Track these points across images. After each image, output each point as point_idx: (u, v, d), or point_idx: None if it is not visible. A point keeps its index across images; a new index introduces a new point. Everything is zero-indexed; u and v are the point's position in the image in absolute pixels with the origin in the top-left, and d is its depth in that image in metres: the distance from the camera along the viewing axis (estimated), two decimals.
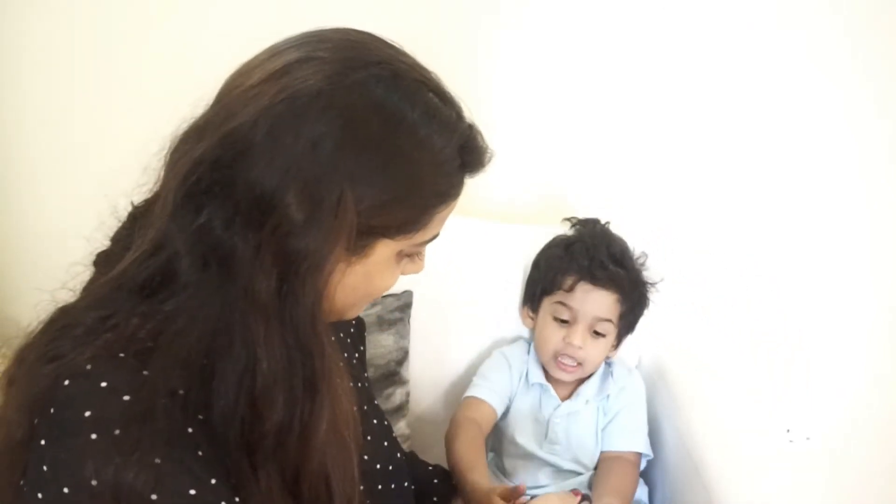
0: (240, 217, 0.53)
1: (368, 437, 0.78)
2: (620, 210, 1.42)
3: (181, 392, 0.55)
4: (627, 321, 1.15)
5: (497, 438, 1.21)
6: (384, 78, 0.56)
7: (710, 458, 1.09)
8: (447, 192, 0.61)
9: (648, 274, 1.18)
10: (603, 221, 1.22)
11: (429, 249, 1.39)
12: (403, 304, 1.27)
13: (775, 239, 1.48)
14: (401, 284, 1.28)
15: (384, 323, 1.24)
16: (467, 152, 0.62)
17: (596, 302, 1.11)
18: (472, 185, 1.59)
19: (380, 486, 0.78)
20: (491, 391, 1.17)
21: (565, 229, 1.23)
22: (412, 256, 0.66)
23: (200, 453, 0.55)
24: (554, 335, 1.13)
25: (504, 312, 1.29)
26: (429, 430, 1.29)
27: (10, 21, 1.36)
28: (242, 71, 0.58)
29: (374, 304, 1.25)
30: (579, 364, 1.13)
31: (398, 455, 0.83)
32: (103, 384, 0.53)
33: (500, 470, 1.18)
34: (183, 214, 0.55)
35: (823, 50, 1.37)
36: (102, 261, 0.63)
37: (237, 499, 0.56)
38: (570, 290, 1.11)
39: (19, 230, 1.40)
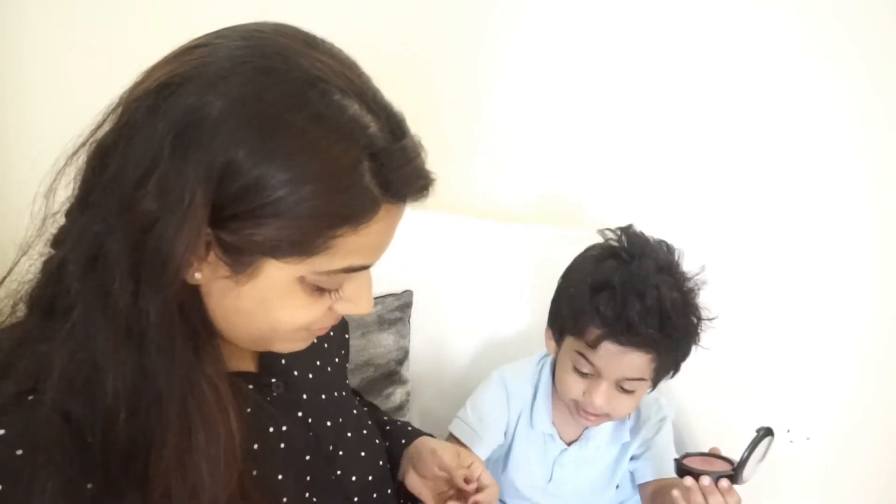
0: (113, 213, 0.49)
1: (340, 453, 0.73)
2: (618, 210, 1.43)
3: (72, 424, 0.52)
4: (667, 370, 0.96)
5: (494, 473, 1.07)
6: (278, 70, 0.50)
7: None
8: (348, 213, 0.51)
9: (702, 301, 0.94)
10: (638, 229, 1.00)
11: (429, 249, 1.39)
12: (403, 303, 1.27)
13: (776, 239, 1.48)
14: (401, 284, 1.29)
15: (384, 322, 1.24)
16: (388, 168, 0.52)
17: (624, 364, 0.91)
18: (473, 185, 1.60)
19: (356, 499, 0.74)
20: (480, 441, 1.03)
21: (600, 236, 1.01)
22: (332, 291, 0.57)
23: (90, 486, 0.52)
24: (574, 386, 0.95)
25: (505, 312, 1.29)
26: (429, 430, 1.28)
27: None
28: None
29: (374, 304, 1.25)
30: (606, 415, 0.97)
31: (380, 463, 0.78)
32: (1, 431, 0.50)
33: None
34: (78, 213, 0.52)
35: (827, 52, 1.37)
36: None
37: None
38: (593, 346, 0.91)
39: None
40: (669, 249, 0.96)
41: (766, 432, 0.84)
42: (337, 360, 0.80)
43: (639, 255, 0.93)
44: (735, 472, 0.82)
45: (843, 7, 1.34)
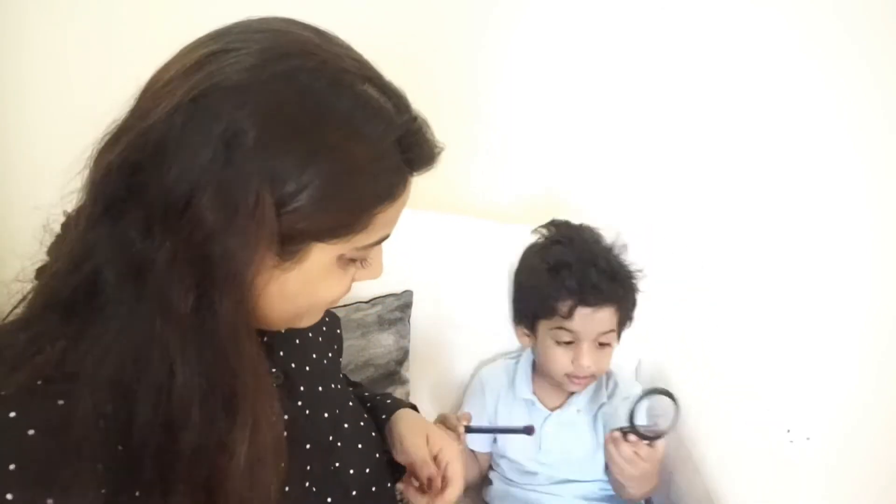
0: (157, 224, 0.50)
1: (339, 444, 0.74)
2: (618, 210, 1.43)
3: (101, 422, 0.51)
4: (626, 319, 1.14)
5: (495, 455, 1.20)
6: (307, 69, 0.52)
7: (710, 458, 1.09)
8: (387, 191, 0.55)
9: (629, 259, 1.13)
10: (574, 222, 1.18)
11: (429, 250, 1.39)
12: (404, 303, 1.27)
13: (776, 239, 1.48)
14: (401, 284, 1.29)
15: (384, 322, 1.24)
16: (408, 147, 0.56)
17: (596, 321, 1.08)
18: (473, 185, 1.60)
19: (354, 492, 0.74)
20: (478, 438, 1.17)
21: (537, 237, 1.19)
22: (361, 261, 0.60)
23: (104, 491, 0.51)
24: (561, 358, 1.10)
25: (505, 313, 1.29)
26: None
27: None
28: (161, 69, 0.54)
29: (374, 304, 1.24)
30: (592, 376, 1.12)
31: (377, 455, 0.79)
32: (12, 415, 0.50)
33: (505, 482, 1.17)
34: (102, 224, 0.52)
35: (827, 52, 1.37)
36: (42, 275, 0.59)
37: None
38: (568, 316, 1.07)
39: None
40: (590, 228, 1.16)
41: (650, 392, 1.00)
42: (331, 354, 0.81)
43: (574, 236, 1.14)
44: (632, 431, 0.99)
45: (843, 7, 1.34)
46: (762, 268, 1.49)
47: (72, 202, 0.58)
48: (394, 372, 1.24)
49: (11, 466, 0.48)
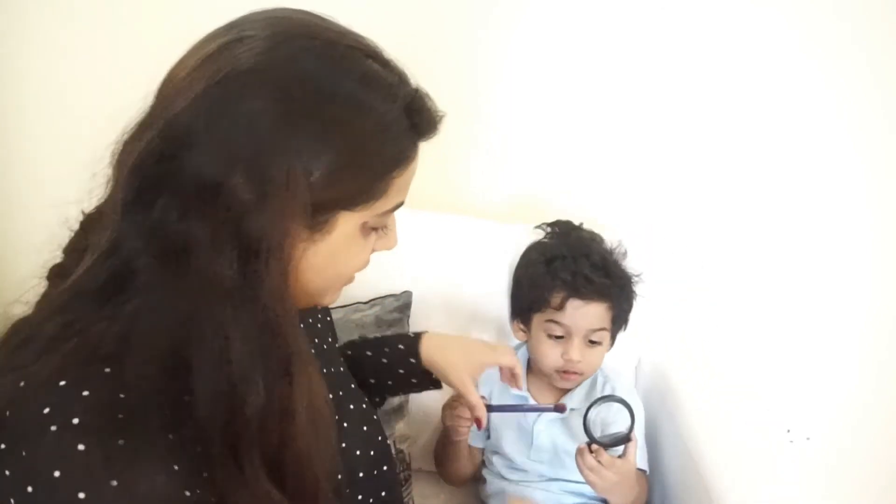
0: (192, 206, 0.53)
1: (345, 424, 0.77)
2: (618, 210, 1.43)
3: (153, 394, 0.54)
4: (620, 321, 1.15)
5: (487, 452, 1.21)
6: (315, 48, 0.56)
7: (710, 458, 1.09)
8: (399, 156, 0.60)
9: (629, 264, 1.15)
10: (577, 223, 1.20)
11: (429, 250, 1.39)
12: (403, 304, 1.27)
13: (776, 240, 1.48)
14: (400, 285, 1.29)
15: (383, 323, 1.24)
16: (415, 113, 0.60)
17: (587, 315, 1.09)
18: (473, 185, 1.59)
19: (361, 474, 0.77)
20: (476, 435, 1.18)
21: (539, 235, 1.21)
22: (380, 230, 0.64)
23: (170, 436, 0.54)
24: (551, 352, 1.11)
25: (504, 313, 1.29)
26: (428, 431, 1.29)
27: None
28: (178, 63, 0.57)
29: (373, 305, 1.24)
30: (581, 373, 1.13)
31: (379, 438, 0.82)
32: (62, 383, 0.52)
33: (499, 478, 1.18)
34: (135, 212, 0.54)
35: (827, 52, 1.37)
36: (56, 273, 0.61)
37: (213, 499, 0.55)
38: (560, 308, 1.09)
39: None
40: (591, 230, 1.19)
41: (598, 401, 1.01)
42: (330, 339, 0.85)
43: (573, 233, 1.18)
44: (592, 441, 1.00)
45: (843, 7, 1.34)
46: (762, 268, 1.49)
47: (87, 201, 0.60)
48: None
49: (75, 420, 0.51)
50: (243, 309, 0.54)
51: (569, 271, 1.09)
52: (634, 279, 1.14)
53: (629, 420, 0.99)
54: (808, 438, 1.54)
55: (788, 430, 1.54)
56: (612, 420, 1.05)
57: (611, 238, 1.16)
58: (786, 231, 1.47)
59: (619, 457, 0.99)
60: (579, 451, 1.00)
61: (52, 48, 1.38)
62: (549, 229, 1.20)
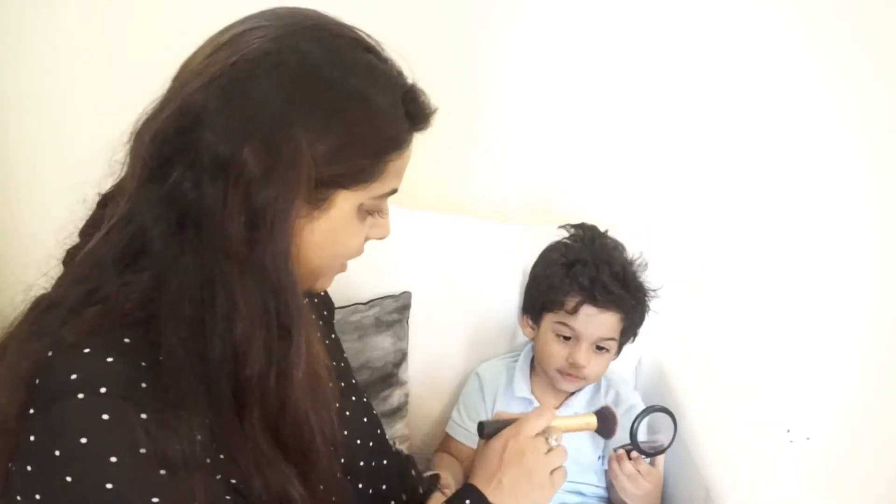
0: (205, 176, 0.57)
1: (347, 413, 0.79)
2: (618, 211, 1.43)
3: (175, 360, 0.57)
4: (629, 333, 1.14)
5: None
6: (322, 37, 0.61)
7: (710, 458, 1.09)
8: (396, 139, 0.64)
9: (647, 276, 1.14)
10: (602, 229, 1.19)
11: (428, 250, 1.39)
12: (402, 305, 1.26)
13: (776, 240, 1.48)
14: (399, 285, 1.29)
15: (382, 325, 1.23)
16: (410, 102, 0.65)
17: (599, 324, 1.09)
18: (473, 185, 1.59)
19: (361, 463, 0.79)
20: (468, 432, 1.18)
21: (561, 235, 1.20)
22: (375, 215, 0.68)
23: (184, 412, 0.57)
24: (557, 353, 1.11)
25: (503, 313, 1.29)
26: (428, 431, 1.29)
27: None
28: (194, 52, 0.62)
29: (372, 306, 1.24)
30: (584, 378, 1.12)
31: (378, 431, 0.85)
32: (87, 350, 0.56)
33: None
34: (151, 183, 0.58)
35: (827, 52, 1.37)
36: (72, 256, 0.64)
37: (221, 456, 0.59)
38: (573, 312, 1.08)
39: None
40: (615, 239, 1.17)
41: (650, 410, 0.99)
42: (333, 335, 0.89)
43: (597, 239, 1.16)
44: (634, 448, 0.99)
45: (843, 7, 1.34)
46: (762, 268, 1.49)
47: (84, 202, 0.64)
48: (391, 374, 1.23)
49: (102, 390, 0.54)
50: (249, 271, 0.57)
51: (588, 277, 1.08)
52: (651, 294, 1.14)
53: (672, 431, 0.98)
54: (808, 438, 1.54)
55: (788, 430, 1.54)
56: (657, 429, 1.05)
57: (633, 249, 1.16)
58: (786, 231, 1.47)
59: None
60: (618, 457, 1.01)
61: (51, 46, 1.38)
62: (572, 230, 1.19)
